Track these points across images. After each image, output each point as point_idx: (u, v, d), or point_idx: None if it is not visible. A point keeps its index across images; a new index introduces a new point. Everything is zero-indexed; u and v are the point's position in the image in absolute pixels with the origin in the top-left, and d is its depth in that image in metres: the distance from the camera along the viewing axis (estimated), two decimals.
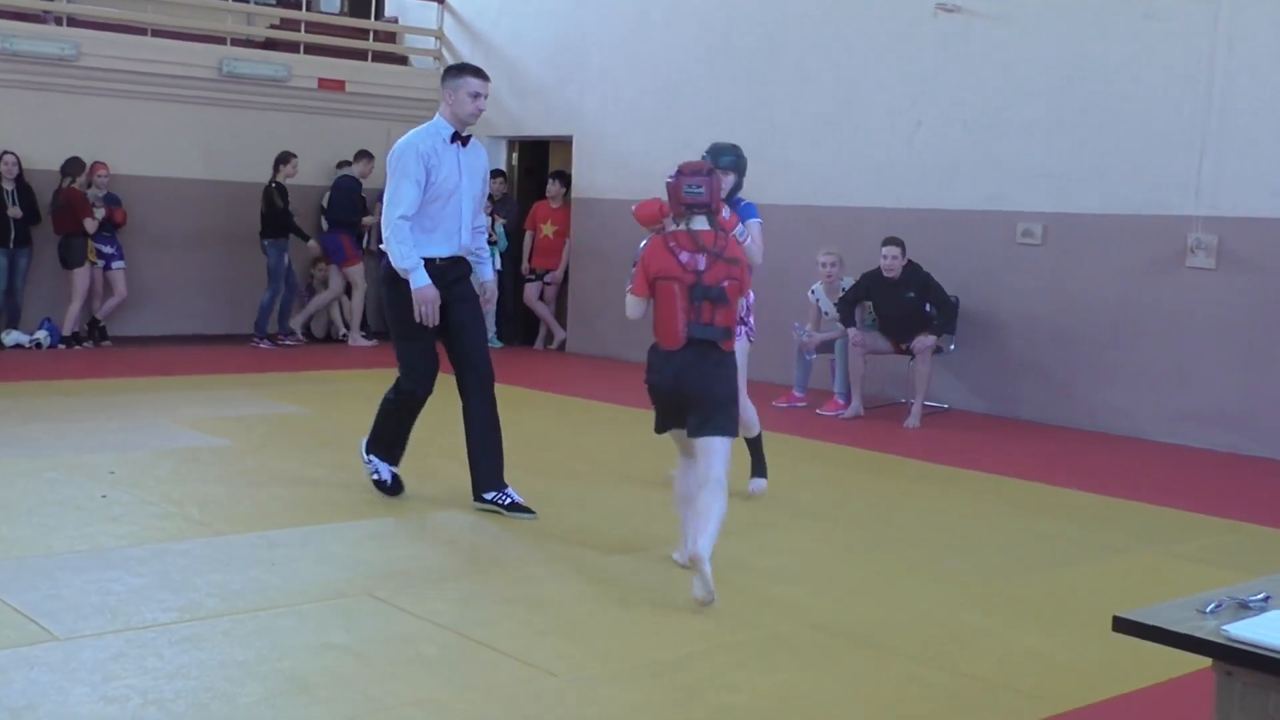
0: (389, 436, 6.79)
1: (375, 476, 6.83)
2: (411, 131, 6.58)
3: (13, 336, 12.26)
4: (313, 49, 14.71)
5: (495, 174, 14.56)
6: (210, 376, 10.94)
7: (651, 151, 13.03)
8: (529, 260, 14.13)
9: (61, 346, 12.37)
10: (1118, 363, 9.90)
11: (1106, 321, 9.97)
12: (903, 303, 10.01)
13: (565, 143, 14.26)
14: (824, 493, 7.59)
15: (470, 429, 6.56)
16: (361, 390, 10.75)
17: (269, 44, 14.78)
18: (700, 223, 5.43)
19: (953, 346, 10.48)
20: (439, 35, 15.35)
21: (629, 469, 8.05)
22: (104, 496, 6.55)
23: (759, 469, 7.27)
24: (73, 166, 12.33)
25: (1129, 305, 9.85)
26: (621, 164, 13.37)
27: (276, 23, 15.10)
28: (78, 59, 12.68)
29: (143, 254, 13.27)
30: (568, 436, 9.20)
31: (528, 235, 14.14)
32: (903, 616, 5.22)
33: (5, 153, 12.11)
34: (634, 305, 5.55)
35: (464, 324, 6.59)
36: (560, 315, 14.23)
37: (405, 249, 6.33)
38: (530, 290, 14.16)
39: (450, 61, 15.09)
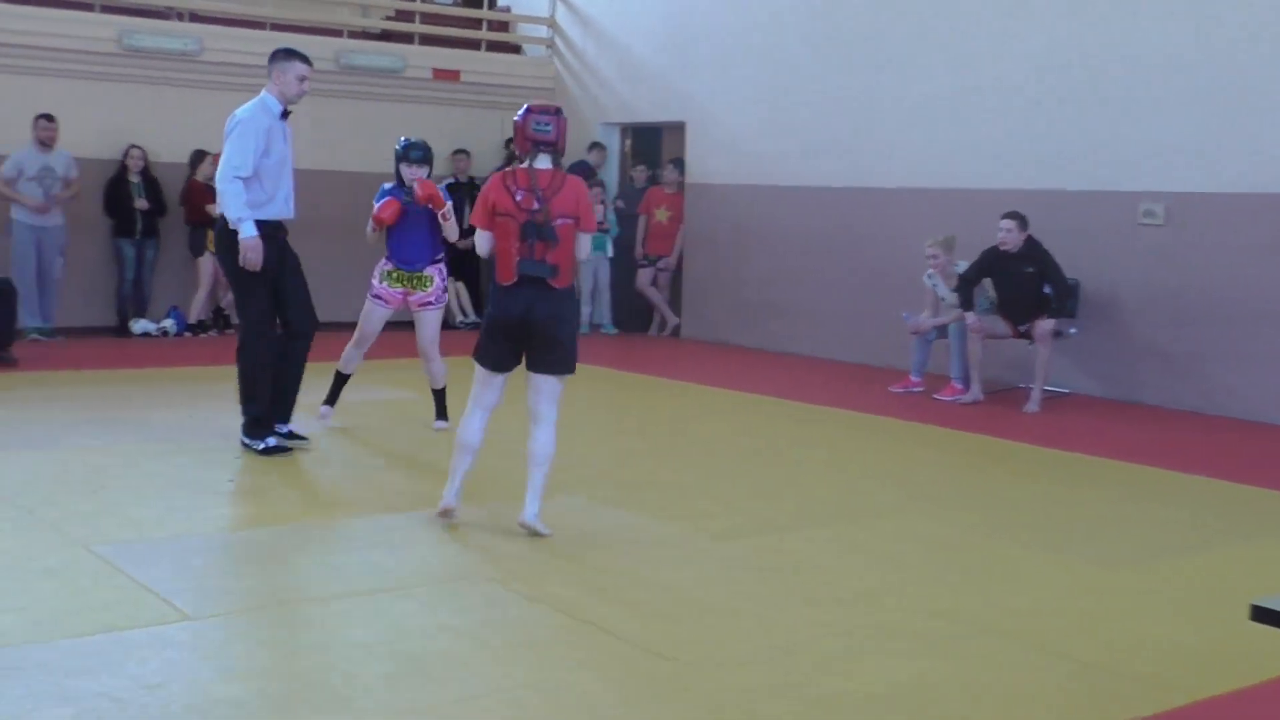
0: (265, 408, 7.25)
1: (261, 447, 7.19)
2: (250, 104, 7.20)
3: (140, 325, 12.60)
4: (427, 39, 14.89)
5: (638, 163, 14.66)
6: (328, 364, 11.12)
7: (763, 136, 12.99)
8: (643, 246, 14.16)
9: (187, 334, 12.68)
10: (1242, 345, 9.64)
11: (1230, 303, 9.70)
12: (1022, 279, 9.82)
13: (677, 129, 14.25)
14: (941, 478, 7.51)
15: (286, 369, 7.37)
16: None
17: (385, 35, 14.98)
18: (543, 161, 5.66)
19: (1073, 330, 10.28)
20: (551, 23, 15.43)
21: (743, 453, 8.04)
22: (230, 480, 6.72)
23: (441, 414, 8.25)
24: (197, 159, 12.64)
25: (1253, 286, 9.57)
26: (734, 149, 13.33)
27: (392, 14, 15.29)
28: (200, 54, 12.97)
29: None
30: (683, 422, 9.22)
31: (641, 220, 14.15)
32: (1023, 603, 5.15)
33: (132, 146, 12.43)
34: (480, 239, 5.77)
35: (296, 284, 7.37)
36: (674, 301, 14.24)
37: (239, 202, 6.99)
38: (643, 276, 14.19)
39: (564, 49, 15.23)
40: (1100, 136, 10.38)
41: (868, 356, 11.95)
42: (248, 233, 7.00)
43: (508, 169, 5.74)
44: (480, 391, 5.85)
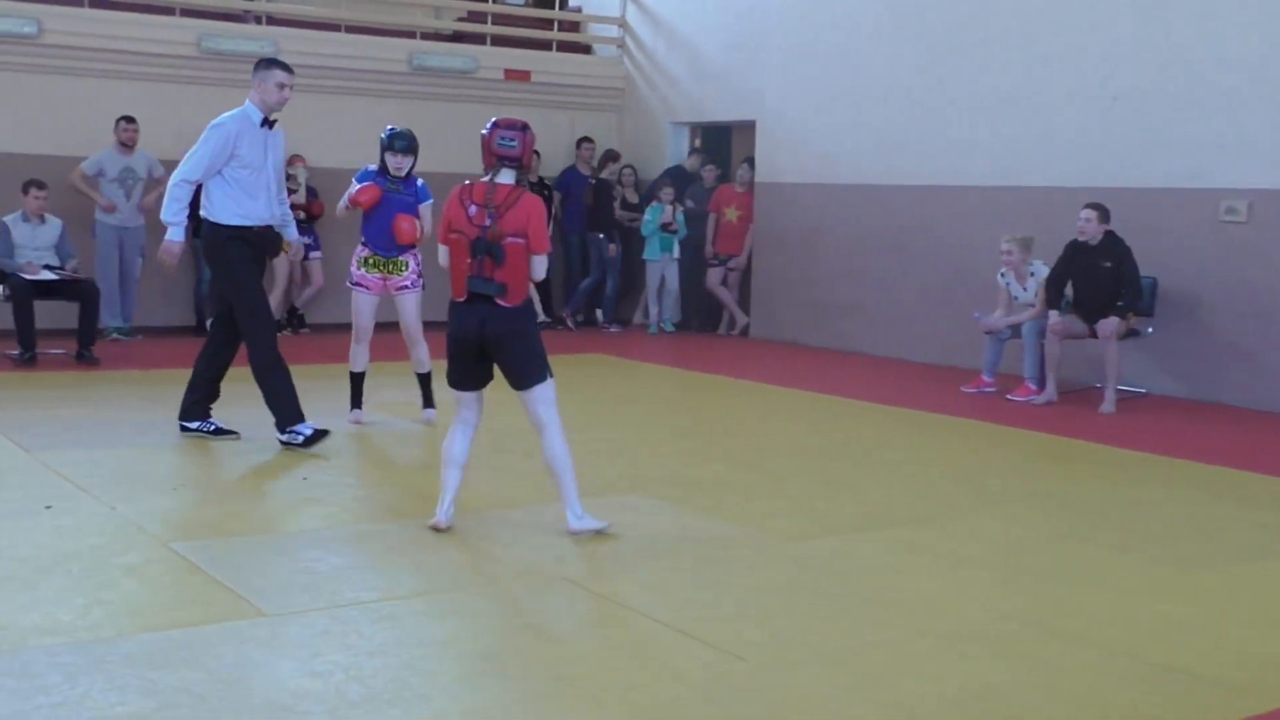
0: (289, 398, 7.41)
1: (301, 440, 7.34)
2: (231, 112, 7.46)
3: None
4: (499, 40, 14.97)
5: (707, 163, 14.70)
6: (402, 362, 11.21)
7: (834, 134, 12.93)
8: (713, 245, 14.14)
9: None
10: None
11: None
12: (1099, 274, 9.68)
13: (747, 127, 14.22)
14: (1014, 480, 7.44)
15: (216, 359, 7.61)
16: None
17: (457, 37, 15.09)
18: (506, 176, 5.64)
19: (1150, 329, 10.14)
20: (622, 23, 15.46)
21: (812, 454, 8.02)
22: (305, 479, 6.80)
23: (428, 401, 8.39)
24: None
25: None
26: (804, 148, 13.29)
27: (464, 16, 15.39)
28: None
29: (339, 245, 13.66)
30: (752, 422, 9.20)
31: (711, 219, 14.14)
32: (1097, 606, 5.09)
33: None
34: (440, 253, 5.78)
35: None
36: (743, 301, 14.21)
37: (178, 206, 7.31)
38: (713, 275, 14.17)
39: (634, 49, 15.25)
40: (1181, 133, 10.22)
41: (939, 356, 11.86)
42: (173, 237, 7.33)
43: (466, 184, 5.70)
44: (460, 410, 5.88)
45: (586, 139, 14.70)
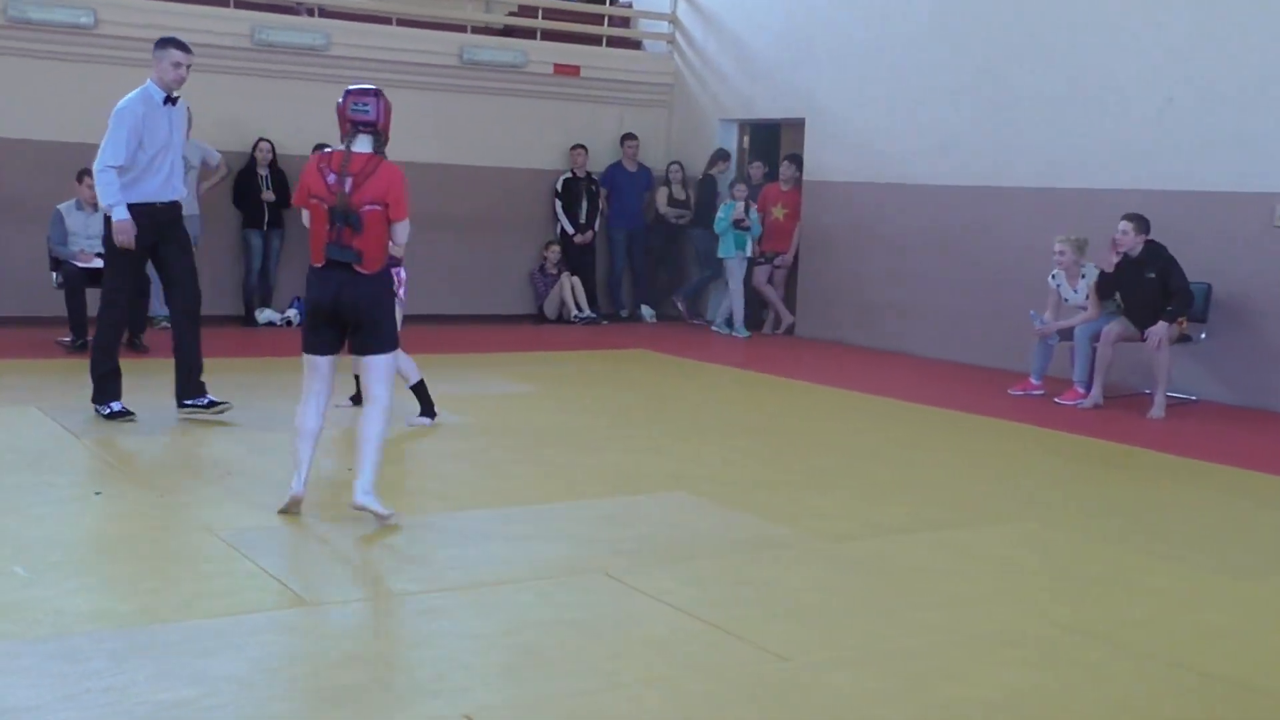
0: (110, 375, 7.78)
1: (107, 412, 7.72)
2: (130, 94, 7.63)
3: (265, 315, 12.87)
4: (549, 35, 15.00)
5: (754, 160, 14.70)
6: (445, 355, 11.26)
7: (884, 133, 12.86)
8: (758, 243, 14.09)
9: None
10: None
11: None
12: (1143, 284, 9.59)
13: (796, 125, 14.17)
14: (1059, 484, 7.38)
15: (176, 344, 7.93)
16: (588, 371, 10.94)
17: (507, 31, 15.12)
18: (363, 144, 5.64)
19: (1203, 335, 10.02)
20: (672, 19, 15.44)
21: (856, 454, 7.98)
22: (350, 469, 6.82)
23: (426, 410, 8.14)
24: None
25: None
26: (853, 146, 13.22)
27: (514, 10, 15.43)
28: (328, 48, 13.21)
29: None
30: (796, 421, 9.18)
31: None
32: (1142, 613, 5.04)
33: (260, 140, 12.71)
34: (304, 215, 5.76)
35: (170, 259, 7.81)
36: (789, 299, 14.16)
37: (111, 190, 7.52)
38: (759, 274, 14.11)
39: (684, 45, 15.23)
40: (1237, 134, 10.09)
41: (986, 358, 11.78)
42: (119, 216, 7.53)
43: (326, 150, 5.74)
44: (309, 379, 5.84)
45: (630, 135, 14.71)
